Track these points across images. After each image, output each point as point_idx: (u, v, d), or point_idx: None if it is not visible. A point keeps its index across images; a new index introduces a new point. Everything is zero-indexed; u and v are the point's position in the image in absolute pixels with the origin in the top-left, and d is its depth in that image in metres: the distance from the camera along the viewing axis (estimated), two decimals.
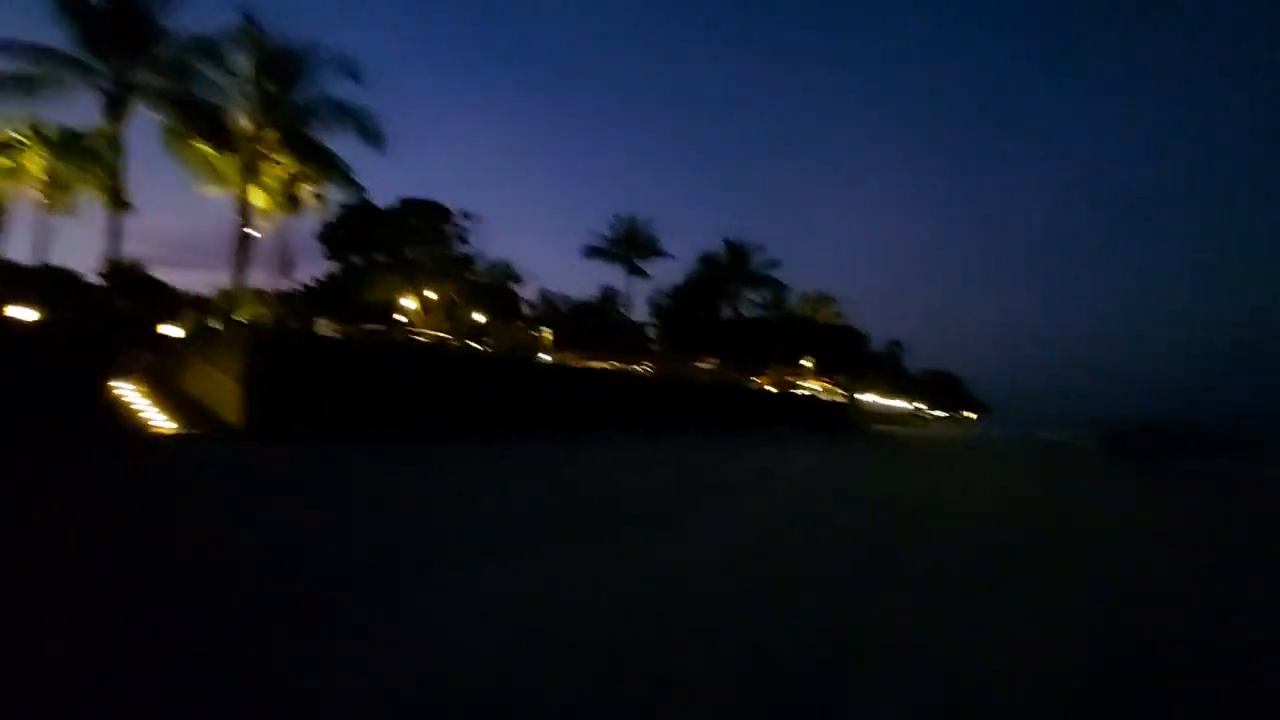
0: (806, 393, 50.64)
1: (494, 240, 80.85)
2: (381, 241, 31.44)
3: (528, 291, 39.61)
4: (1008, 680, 3.73)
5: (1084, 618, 5.15)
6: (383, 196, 31.68)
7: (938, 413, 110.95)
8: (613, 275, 51.13)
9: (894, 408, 78.31)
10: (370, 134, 20.75)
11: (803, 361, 48.88)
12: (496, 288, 34.71)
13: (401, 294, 30.23)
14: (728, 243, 45.49)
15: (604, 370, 33.11)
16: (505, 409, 19.92)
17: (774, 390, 45.91)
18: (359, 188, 23.56)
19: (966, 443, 43.94)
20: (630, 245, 42.10)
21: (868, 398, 67.52)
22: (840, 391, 57.31)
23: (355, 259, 32.08)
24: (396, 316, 30.27)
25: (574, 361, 34.65)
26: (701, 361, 41.25)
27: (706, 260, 45.11)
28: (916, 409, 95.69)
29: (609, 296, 42.91)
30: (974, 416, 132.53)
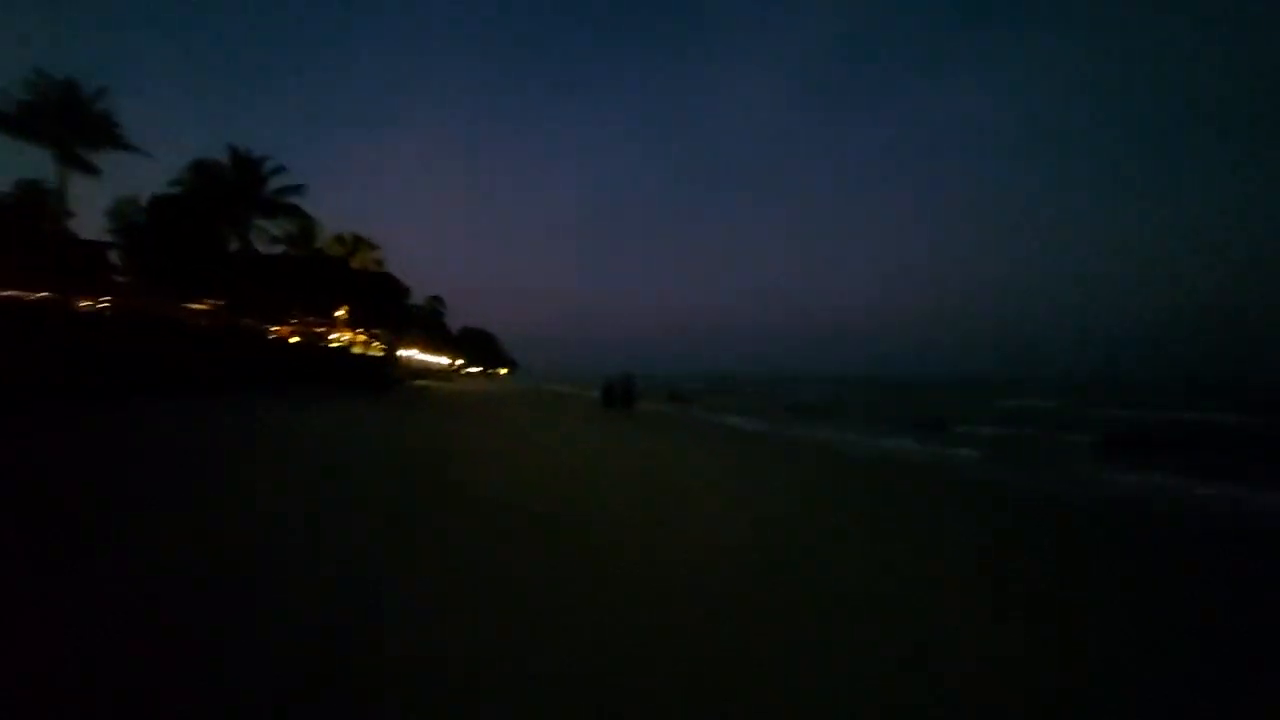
0: (339, 345, 45.59)
1: None
2: None
3: None
4: None
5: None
6: None
7: (474, 369, 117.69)
8: (38, 167, 34.91)
9: (434, 363, 78.74)
10: None
11: (337, 312, 43.52)
12: None
13: None
14: (234, 151, 34.93)
15: (18, 303, 22.29)
16: None
17: (299, 341, 39.53)
18: None
19: (497, 395, 46.61)
20: (65, 120, 27.86)
21: (409, 353, 65.69)
22: (380, 345, 53.84)
23: None
24: None
25: None
26: (197, 302, 32.12)
27: (202, 169, 33.88)
28: (455, 365, 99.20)
29: (31, 194, 28.72)
30: (505, 372, 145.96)
